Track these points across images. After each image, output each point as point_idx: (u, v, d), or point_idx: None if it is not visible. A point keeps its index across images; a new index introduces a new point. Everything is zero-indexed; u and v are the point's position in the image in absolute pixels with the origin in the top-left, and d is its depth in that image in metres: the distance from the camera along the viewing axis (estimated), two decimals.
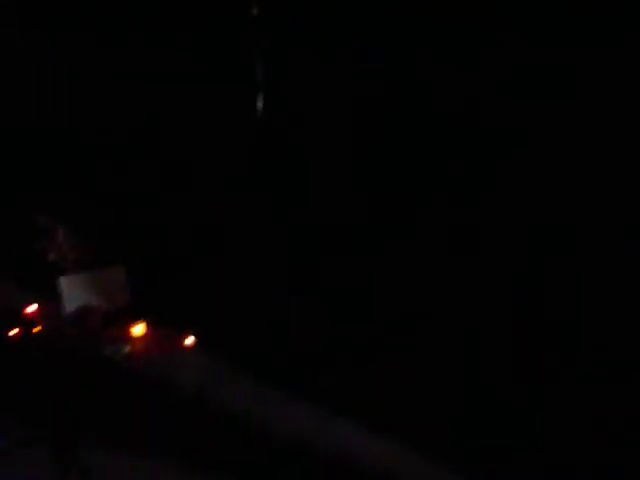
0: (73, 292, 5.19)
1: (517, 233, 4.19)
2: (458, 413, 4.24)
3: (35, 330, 5.07)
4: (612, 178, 3.90)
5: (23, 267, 5.36)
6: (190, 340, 4.94)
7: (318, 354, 4.69)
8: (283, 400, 4.37)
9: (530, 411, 4.10)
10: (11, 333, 4.98)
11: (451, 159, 4.37)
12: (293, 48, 4.87)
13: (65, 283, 5.19)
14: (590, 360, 3.98)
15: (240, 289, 5.10)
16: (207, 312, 4.96)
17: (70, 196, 5.72)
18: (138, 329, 5.02)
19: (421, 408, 4.11)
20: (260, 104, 5.12)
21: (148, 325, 5.05)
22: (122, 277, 5.34)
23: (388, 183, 4.65)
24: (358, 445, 4.02)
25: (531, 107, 4.08)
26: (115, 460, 4.12)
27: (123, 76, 5.65)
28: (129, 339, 4.94)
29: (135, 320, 5.03)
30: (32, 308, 5.26)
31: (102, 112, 5.78)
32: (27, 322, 5.14)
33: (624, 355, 3.92)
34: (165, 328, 5.00)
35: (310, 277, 5.03)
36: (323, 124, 4.83)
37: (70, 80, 5.94)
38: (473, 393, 4.31)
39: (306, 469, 3.95)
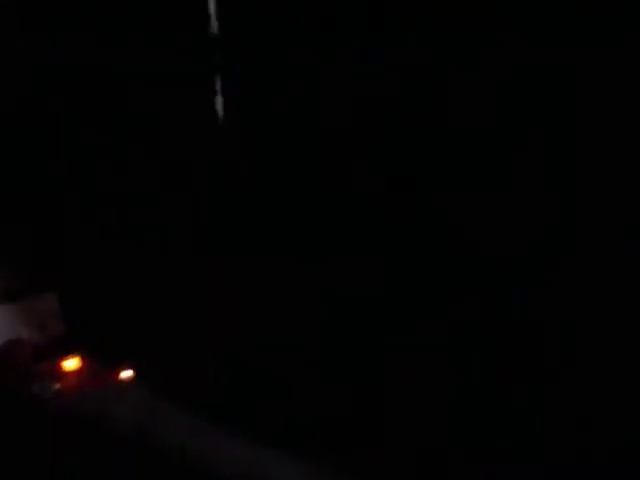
0: None
1: (517, 233, 4.19)
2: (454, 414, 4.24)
3: None
4: (612, 178, 3.90)
5: None
6: (127, 373, 4.76)
7: (258, 388, 4.56)
8: (224, 435, 4.25)
9: (530, 411, 4.10)
10: None
11: (451, 160, 4.37)
12: (291, 48, 4.86)
13: None
14: (590, 360, 3.98)
15: (180, 319, 4.91)
16: (145, 343, 4.77)
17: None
18: (71, 363, 4.83)
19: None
20: (220, 109, 4.99)
21: (82, 358, 4.86)
22: (54, 306, 5.12)
23: (387, 183, 4.66)
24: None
25: (531, 107, 4.08)
26: None
27: (123, 76, 5.65)
28: (61, 374, 4.75)
29: (68, 353, 4.84)
30: None
31: (102, 111, 5.79)
32: None
33: (624, 355, 3.93)
34: (100, 361, 4.81)
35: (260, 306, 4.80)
36: (322, 123, 4.83)
37: (70, 79, 5.94)
38: (471, 393, 4.31)
39: None
